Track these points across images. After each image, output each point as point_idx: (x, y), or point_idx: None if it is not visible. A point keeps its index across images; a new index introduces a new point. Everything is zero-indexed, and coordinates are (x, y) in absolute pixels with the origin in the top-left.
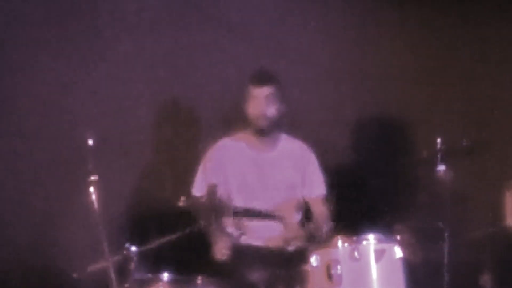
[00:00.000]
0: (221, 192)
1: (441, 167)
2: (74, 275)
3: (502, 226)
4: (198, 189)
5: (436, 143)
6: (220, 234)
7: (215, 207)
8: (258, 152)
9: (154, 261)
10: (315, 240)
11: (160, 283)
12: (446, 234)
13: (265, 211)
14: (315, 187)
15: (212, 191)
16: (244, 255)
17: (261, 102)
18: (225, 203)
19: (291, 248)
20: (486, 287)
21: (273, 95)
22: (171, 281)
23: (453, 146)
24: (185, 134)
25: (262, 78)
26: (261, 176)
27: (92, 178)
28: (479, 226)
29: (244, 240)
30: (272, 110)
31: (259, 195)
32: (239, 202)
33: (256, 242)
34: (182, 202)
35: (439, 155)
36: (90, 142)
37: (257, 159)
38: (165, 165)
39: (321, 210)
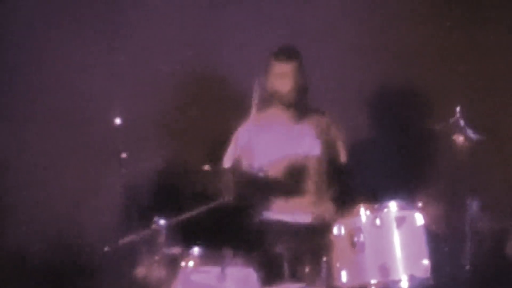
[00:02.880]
0: (249, 166)
1: (460, 135)
2: (106, 248)
3: None
4: (228, 162)
5: (455, 112)
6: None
7: (237, 178)
8: (287, 126)
9: (185, 236)
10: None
11: (190, 257)
12: (468, 203)
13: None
14: (338, 156)
15: (236, 164)
16: (271, 228)
17: (288, 76)
18: (250, 175)
19: (316, 221)
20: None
21: (298, 70)
22: (200, 255)
23: (472, 115)
24: (210, 114)
25: (287, 53)
26: (290, 149)
27: (122, 155)
28: (502, 195)
29: (270, 214)
30: (298, 84)
31: (289, 166)
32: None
33: (282, 216)
34: (206, 167)
35: (458, 123)
36: (118, 121)
37: (286, 132)
38: (192, 142)
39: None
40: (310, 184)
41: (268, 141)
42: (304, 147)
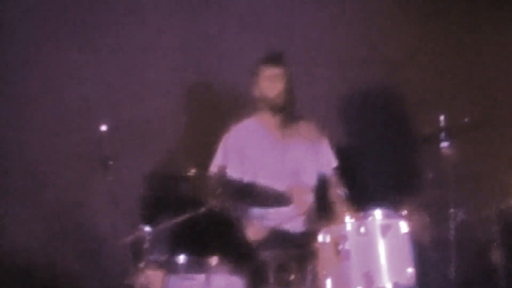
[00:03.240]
0: (236, 173)
1: (445, 144)
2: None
3: (510, 203)
4: (215, 168)
5: (439, 121)
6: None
7: (222, 184)
8: (275, 131)
9: (170, 243)
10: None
11: (175, 264)
12: (452, 211)
13: (277, 192)
14: (330, 161)
15: (221, 171)
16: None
17: (277, 80)
18: (236, 181)
19: (302, 228)
20: (497, 263)
21: (286, 75)
22: (185, 262)
23: (456, 123)
24: (198, 120)
25: (276, 57)
26: (279, 155)
27: (108, 162)
28: (487, 203)
29: (257, 221)
30: (286, 89)
31: (277, 174)
32: (258, 181)
33: (269, 223)
34: (191, 172)
35: (443, 132)
36: (104, 128)
37: (274, 138)
38: (180, 150)
39: (336, 183)
40: (299, 194)
41: (258, 148)
42: (294, 158)
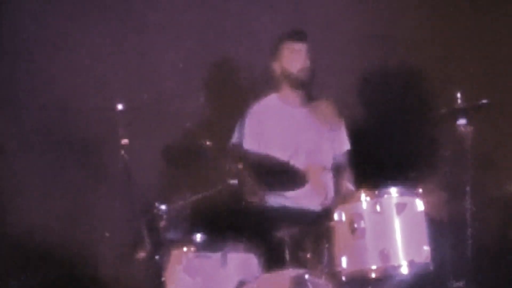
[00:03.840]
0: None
1: (462, 121)
2: (107, 233)
3: None
4: (233, 146)
5: (456, 99)
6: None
7: (239, 161)
8: (295, 108)
9: (187, 222)
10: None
11: (191, 242)
12: (469, 189)
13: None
14: (344, 142)
15: (238, 148)
16: (273, 214)
17: (302, 55)
18: (255, 157)
19: (318, 207)
20: None
21: (308, 51)
22: (201, 241)
23: (474, 102)
24: (217, 100)
25: (300, 33)
26: (296, 133)
27: (123, 141)
28: (504, 181)
29: (273, 199)
30: (308, 65)
31: (293, 152)
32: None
33: (285, 202)
34: (208, 149)
35: (460, 110)
36: (120, 107)
37: (293, 115)
38: (198, 129)
39: (346, 165)
40: (315, 173)
41: (276, 125)
42: (311, 137)
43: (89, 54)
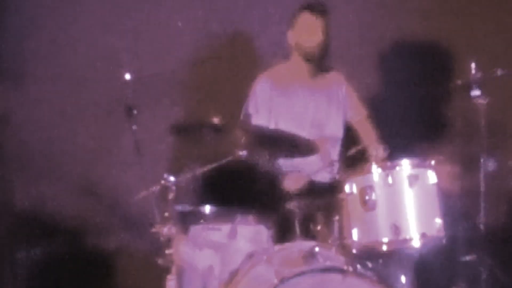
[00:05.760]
0: (262, 121)
1: (476, 92)
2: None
3: None
4: (243, 116)
5: (470, 69)
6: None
7: (247, 133)
8: (304, 80)
9: (196, 194)
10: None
11: (201, 214)
12: (482, 161)
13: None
14: (359, 108)
15: (246, 119)
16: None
17: (317, 29)
18: (260, 131)
19: (329, 179)
20: None
21: (327, 26)
22: (211, 213)
23: (488, 73)
24: (225, 70)
25: (321, 7)
26: (305, 104)
27: (133, 112)
28: None
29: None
30: (324, 40)
31: (301, 123)
32: (286, 129)
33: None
34: (217, 121)
35: (474, 81)
36: (128, 76)
37: (302, 86)
38: (206, 100)
39: (369, 129)
40: (323, 145)
41: (285, 96)
42: (320, 108)
43: (97, 24)
